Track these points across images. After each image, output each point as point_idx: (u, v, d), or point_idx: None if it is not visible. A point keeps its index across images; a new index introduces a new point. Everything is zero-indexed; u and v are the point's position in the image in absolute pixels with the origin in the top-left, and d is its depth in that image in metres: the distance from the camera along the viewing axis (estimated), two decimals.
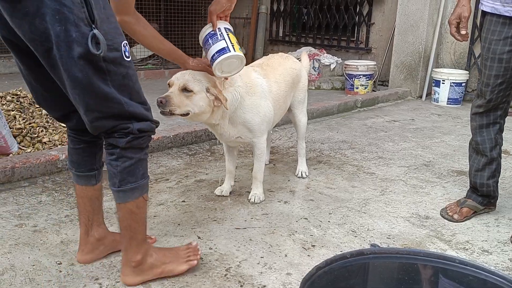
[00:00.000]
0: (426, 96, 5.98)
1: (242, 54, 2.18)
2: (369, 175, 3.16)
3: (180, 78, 2.22)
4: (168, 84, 2.25)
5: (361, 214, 2.55)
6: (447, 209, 2.57)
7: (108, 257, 2.02)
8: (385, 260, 1.40)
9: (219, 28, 2.16)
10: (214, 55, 2.13)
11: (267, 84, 2.58)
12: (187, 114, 2.22)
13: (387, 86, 6.37)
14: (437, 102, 5.69)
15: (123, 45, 1.60)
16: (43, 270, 1.92)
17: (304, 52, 3.58)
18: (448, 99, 5.60)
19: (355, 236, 2.30)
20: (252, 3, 7.98)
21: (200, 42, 2.22)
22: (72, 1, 1.44)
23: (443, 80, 5.59)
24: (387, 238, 2.29)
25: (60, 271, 1.92)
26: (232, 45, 2.15)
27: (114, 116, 1.63)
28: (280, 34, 8.14)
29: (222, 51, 2.12)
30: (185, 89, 2.20)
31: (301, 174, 3.09)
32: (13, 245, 2.11)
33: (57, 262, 1.98)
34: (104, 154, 1.78)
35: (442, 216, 2.54)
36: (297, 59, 3.07)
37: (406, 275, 1.39)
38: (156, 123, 1.76)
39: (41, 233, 2.23)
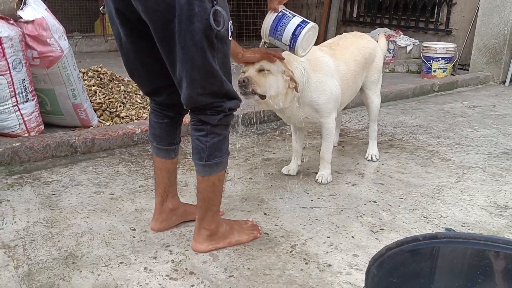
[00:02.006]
0: (510, 81, 5.58)
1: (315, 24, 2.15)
2: (445, 161, 3.01)
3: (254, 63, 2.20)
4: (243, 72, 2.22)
5: (434, 200, 2.45)
6: None
7: (178, 227, 2.09)
8: (459, 245, 1.33)
9: (284, 9, 2.13)
10: (295, 31, 2.08)
11: (334, 63, 2.52)
12: (265, 96, 2.21)
13: (467, 70, 6.01)
14: None
15: (230, 24, 1.64)
16: (118, 235, 2.03)
17: (382, 33, 3.45)
18: None
19: (427, 222, 2.21)
20: None
21: (265, 32, 2.14)
22: None
23: None
24: (461, 226, 2.19)
25: (134, 237, 2.02)
26: (305, 18, 2.13)
27: (213, 93, 1.67)
28: (354, 14, 7.90)
29: (301, 25, 2.09)
30: (262, 70, 2.19)
31: (371, 157, 3.01)
32: (92, 210, 2.25)
33: (131, 228, 2.09)
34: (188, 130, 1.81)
35: None
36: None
37: (481, 262, 1.31)
38: (240, 101, 1.80)
39: (117, 201, 2.35)
